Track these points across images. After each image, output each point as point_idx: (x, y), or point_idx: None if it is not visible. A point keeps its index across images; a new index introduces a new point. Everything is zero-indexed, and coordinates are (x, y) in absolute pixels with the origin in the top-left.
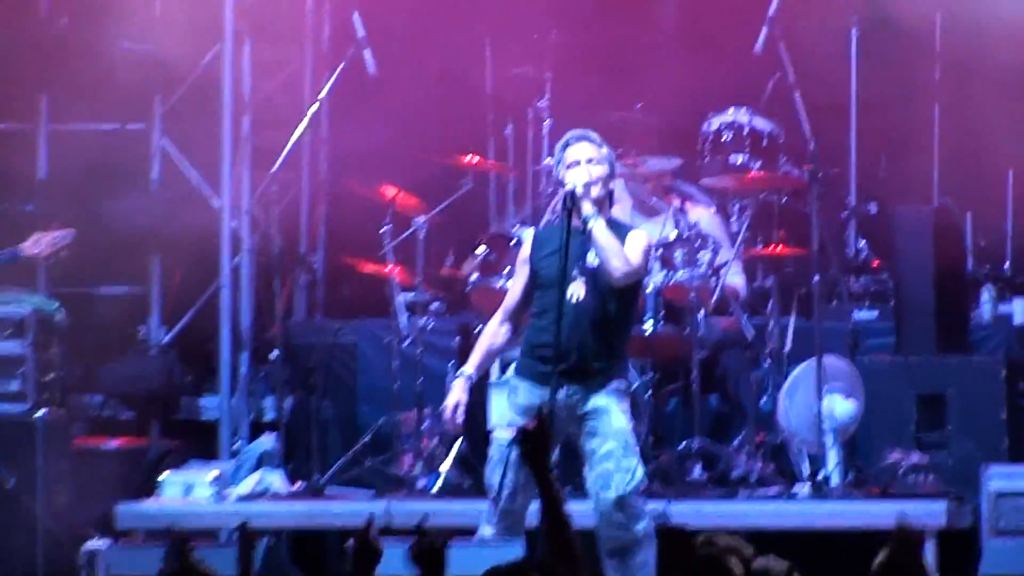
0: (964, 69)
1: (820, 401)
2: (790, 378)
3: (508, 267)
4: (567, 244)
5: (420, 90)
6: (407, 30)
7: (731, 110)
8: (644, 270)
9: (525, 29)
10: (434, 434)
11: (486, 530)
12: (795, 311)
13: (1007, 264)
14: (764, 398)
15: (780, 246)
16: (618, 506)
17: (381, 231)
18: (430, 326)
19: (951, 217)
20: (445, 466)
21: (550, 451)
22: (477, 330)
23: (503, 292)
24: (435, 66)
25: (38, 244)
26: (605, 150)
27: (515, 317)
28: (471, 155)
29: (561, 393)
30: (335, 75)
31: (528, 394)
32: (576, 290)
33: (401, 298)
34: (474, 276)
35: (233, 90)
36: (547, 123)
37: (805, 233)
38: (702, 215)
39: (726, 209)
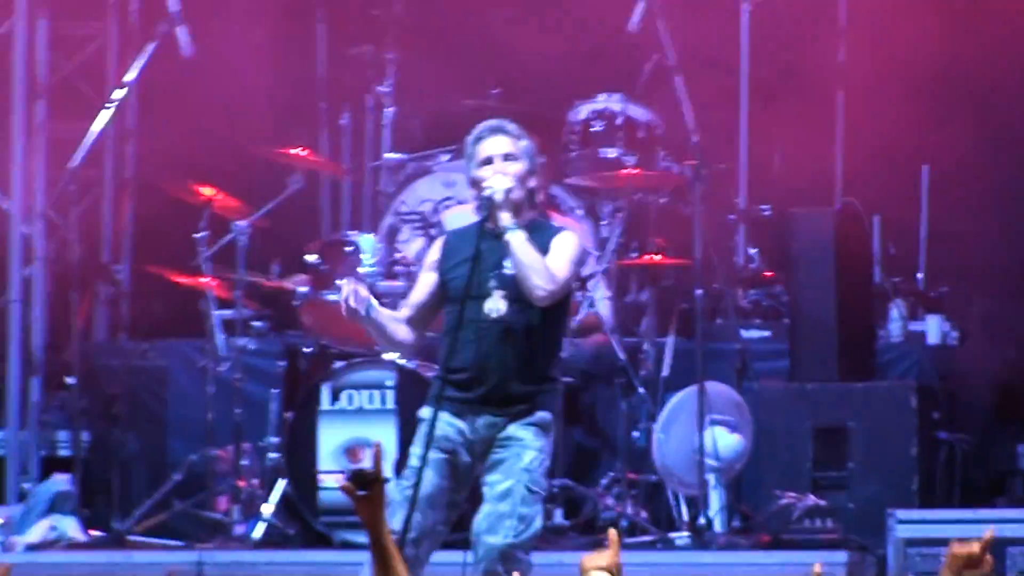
0: (874, 48)
1: (701, 435)
2: (667, 408)
3: (343, 278)
4: (458, 250)
5: (243, 74)
6: (228, 4)
7: (602, 97)
8: (574, 281)
9: (364, 2)
10: (254, 473)
11: None
12: (674, 330)
13: (920, 275)
14: (637, 431)
15: (658, 255)
16: (503, 557)
17: (196, 237)
18: (251, 347)
19: (856, 221)
20: (267, 510)
21: (385, 499)
22: (307, 350)
23: (336, 307)
24: (260, 46)
25: None
26: (524, 143)
27: (418, 328)
28: (301, 149)
29: (480, 423)
30: (145, 56)
31: (443, 426)
32: (495, 304)
33: (218, 315)
34: (303, 289)
35: (26, 73)
36: (389, 111)
37: (687, 240)
38: (567, 220)
39: (596, 212)
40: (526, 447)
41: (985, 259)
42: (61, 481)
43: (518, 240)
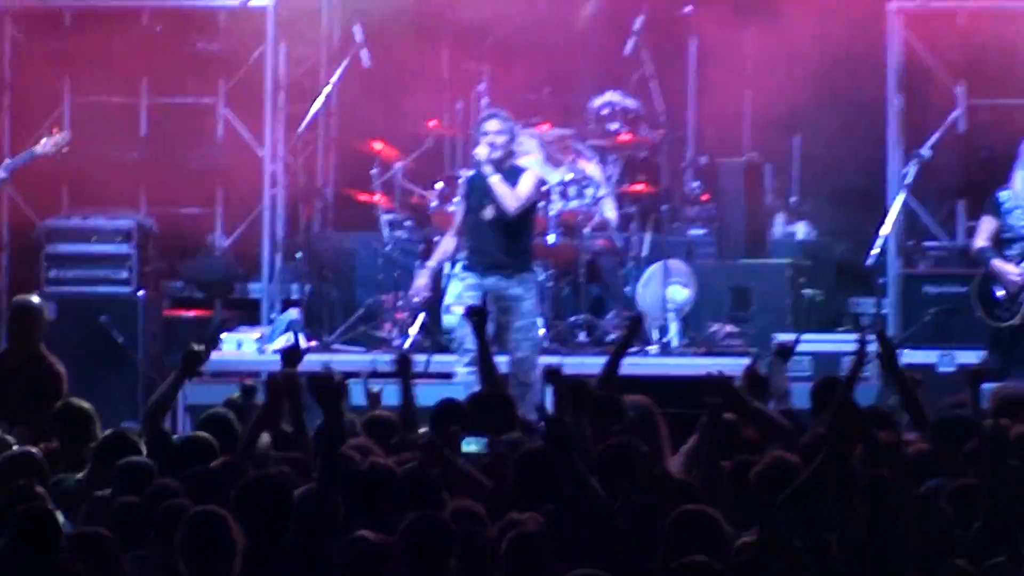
0: (771, 64)
1: (665, 290)
2: (646, 274)
3: (457, 198)
4: (474, 185)
5: (398, 78)
6: (392, 35)
7: (609, 92)
8: (536, 197)
9: (471, 33)
10: (406, 309)
11: (461, 370)
12: (650, 228)
13: (793, 199)
14: (628, 288)
15: (641, 185)
16: (519, 363)
17: (372, 172)
18: (404, 237)
19: (757, 166)
20: (413, 331)
21: (487, 320)
22: (436, 239)
23: (453, 213)
24: (411, 61)
25: (46, 146)
26: (508, 124)
27: (461, 233)
28: (434, 121)
29: (491, 280)
30: (342, 67)
31: (473, 279)
32: (488, 212)
33: (385, 218)
34: (434, 203)
35: (273, 76)
36: (485, 101)
37: (658, 177)
38: (588, 165)
39: (605, 159)
40: (524, 300)
41: (833, 188)
42: (293, 312)
43: (495, 181)
